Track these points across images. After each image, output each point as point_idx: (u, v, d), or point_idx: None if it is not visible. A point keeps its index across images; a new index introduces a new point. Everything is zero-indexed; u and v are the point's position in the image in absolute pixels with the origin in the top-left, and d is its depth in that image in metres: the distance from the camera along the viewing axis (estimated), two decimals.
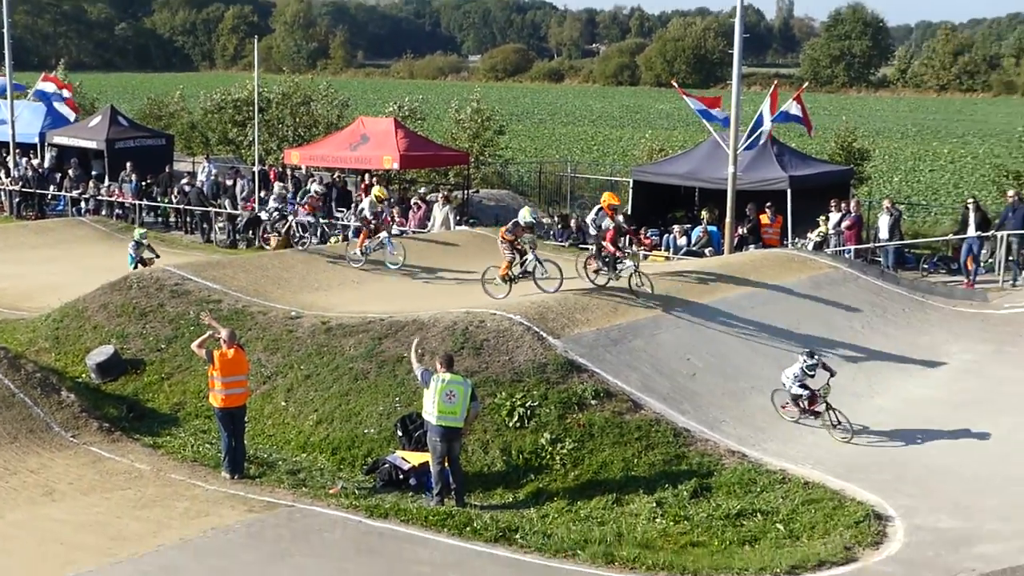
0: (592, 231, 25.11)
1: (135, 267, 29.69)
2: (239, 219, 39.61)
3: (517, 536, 17.10)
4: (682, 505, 18.15)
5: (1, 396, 21.07)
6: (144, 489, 18.75)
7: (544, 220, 40.93)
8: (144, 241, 31.49)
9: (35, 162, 47.35)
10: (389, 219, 30.15)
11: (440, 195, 39.70)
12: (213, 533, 16.95)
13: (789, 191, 34.62)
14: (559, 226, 38.28)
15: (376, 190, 29.63)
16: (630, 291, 24.66)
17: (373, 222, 28.64)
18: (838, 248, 32.24)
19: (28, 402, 21.18)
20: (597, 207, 25.29)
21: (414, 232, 36.58)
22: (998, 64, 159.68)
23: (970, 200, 33.88)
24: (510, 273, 24.73)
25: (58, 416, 21.09)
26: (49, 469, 19.43)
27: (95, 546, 16.39)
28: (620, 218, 25.74)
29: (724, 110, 34.48)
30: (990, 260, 31.59)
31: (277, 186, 32.07)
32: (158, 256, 31.31)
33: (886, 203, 35.48)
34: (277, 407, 21.55)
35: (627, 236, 26.51)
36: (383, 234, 28.78)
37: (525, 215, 25.24)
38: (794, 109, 33.67)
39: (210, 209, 40.82)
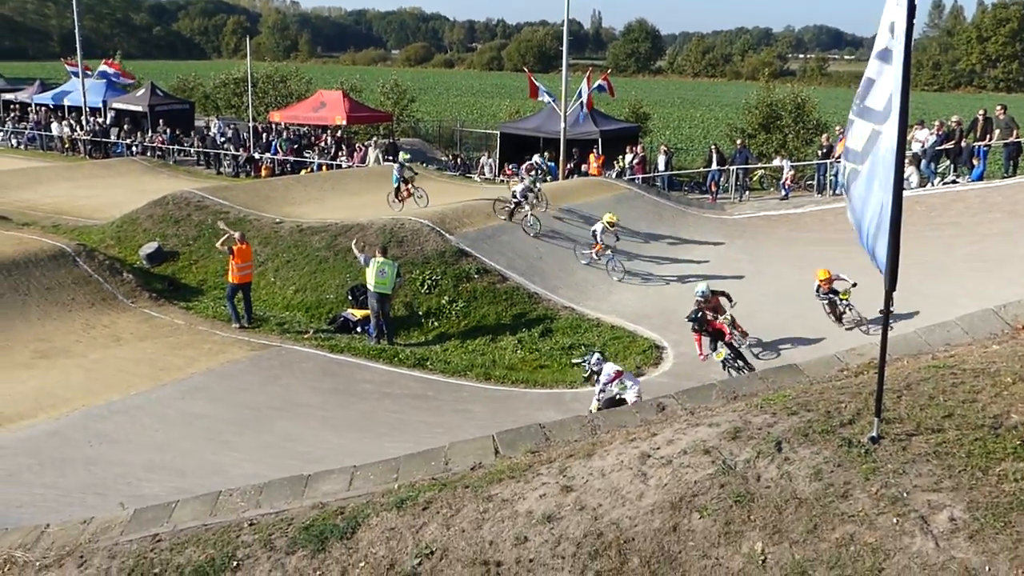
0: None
1: (397, 185, 25.42)
2: (240, 157, 38.70)
3: (428, 363, 17.16)
4: (534, 341, 18.26)
5: (83, 276, 20.50)
6: (181, 337, 18.41)
7: (442, 158, 40.44)
8: (407, 163, 26.27)
9: (100, 120, 45.93)
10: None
11: (373, 141, 39.01)
12: (228, 364, 16.83)
13: (600, 140, 34.59)
14: (452, 162, 37.86)
15: (608, 216, 21.92)
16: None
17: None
18: (631, 176, 32.26)
19: (100, 280, 20.60)
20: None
21: (357, 166, 35.89)
22: (730, 59, 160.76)
23: (713, 145, 34.12)
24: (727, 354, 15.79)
25: (121, 289, 20.55)
26: (117, 324, 18.98)
27: (149, 374, 16.11)
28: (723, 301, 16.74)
29: (552, 90, 34.48)
30: (725, 184, 31.90)
31: (528, 179, 23.23)
32: (416, 174, 26.27)
33: (662, 147, 35.58)
34: (269, 282, 21.14)
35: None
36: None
37: (699, 289, 16.42)
38: (602, 82, 33.86)
39: (220, 151, 39.83)
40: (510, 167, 35.49)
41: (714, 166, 31.97)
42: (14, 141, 47.25)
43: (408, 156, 26.17)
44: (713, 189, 31.69)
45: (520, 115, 46.11)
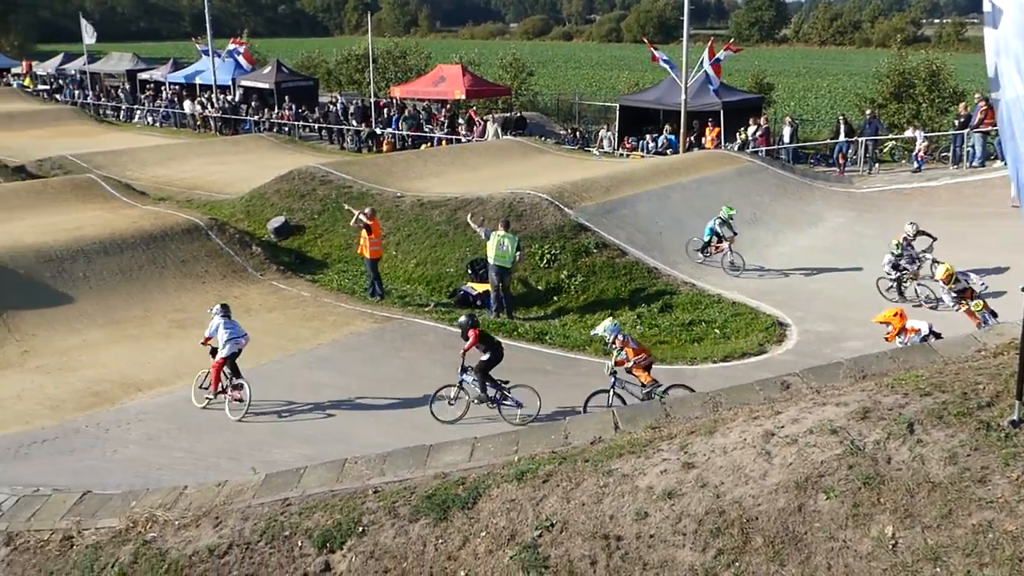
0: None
1: (709, 239, 20.97)
2: (362, 133, 39.44)
3: (547, 337, 17.25)
4: (653, 317, 18.14)
5: (215, 249, 21.24)
6: (307, 308, 18.95)
7: (560, 132, 40.34)
8: (729, 220, 20.91)
9: (229, 98, 47.41)
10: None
11: (491, 116, 39.22)
12: (352, 336, 17.24)
13: (722, 112, 33.87)
14: (571, 135, 37.75)
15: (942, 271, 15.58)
16: None
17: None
18: (754, 149, 31.53)
19: (231, 253, 21.32)
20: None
21: (476, 140, 36.16)
22: (859, 26, 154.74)
23: (841, 116, 33.00)
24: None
25: (251, 262, 21.25)
26: (247, 296, 19.65)
27: (277, 344, 16.64)
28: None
29: (674, 61, 33.88)
30: (854, 157, 30.83)
31: (893, 251, 18.32)
32: (736, 234, 20.83)
33: (787, 119, 34.58)
34: (390, 255, 21.46)
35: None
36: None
37: (597, 331, 14.36)
38: (722, 54, 33.08)
39: (343, 126, 40.66)
40: (629, 140, 35.19)
41: (842, 137, 30.93)
42: (149, 119, 49.26)
43: (733, 211, 21.22)
44: (841, 161, 30.66)
45: (639, 87, 45.56)
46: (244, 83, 48.14)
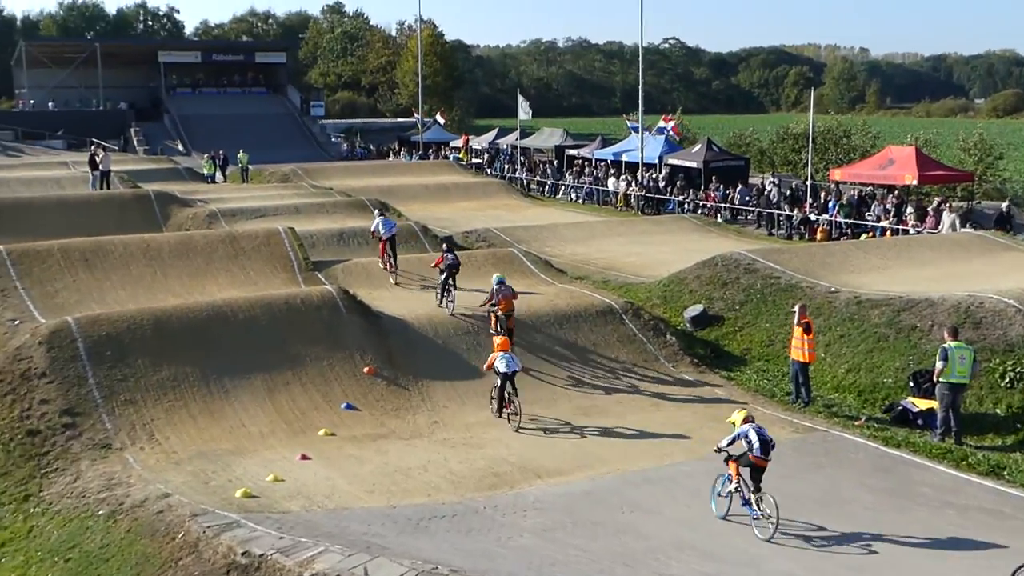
0: None
1: None
2: (794, 218, 38.82)
3: (1005, 472, 15.62)
4: None
5: (628, 335, 21.82)
6: (720, 408, 18.66)
7: None
8: None
9: (655, 176, 48.97)
10: None
11: (948, 205, 36.78)
12: None
13: None
14: None
15: None
16: None
17: None
18: None
19: (644, 340, 21.76)
20: None
21: (928, 232, 34.08)
22: None
23: None
24: None
25: (663, 351, 21.53)
26: (656, 388, 19.88)
27: (684, 445, 16.77)
28: None
29: None
30: None
31: None
32: None
33: None
34: (817, 357, 20.59)
35: None
36: None
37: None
38: None
39: (773, 210, 40.31)
40: None
41: None
42: (573, 195, 52.32)
43: None
44: None
45: None
46: (671, 161, 49.57)
